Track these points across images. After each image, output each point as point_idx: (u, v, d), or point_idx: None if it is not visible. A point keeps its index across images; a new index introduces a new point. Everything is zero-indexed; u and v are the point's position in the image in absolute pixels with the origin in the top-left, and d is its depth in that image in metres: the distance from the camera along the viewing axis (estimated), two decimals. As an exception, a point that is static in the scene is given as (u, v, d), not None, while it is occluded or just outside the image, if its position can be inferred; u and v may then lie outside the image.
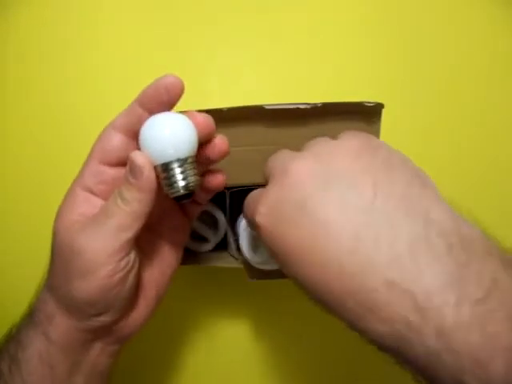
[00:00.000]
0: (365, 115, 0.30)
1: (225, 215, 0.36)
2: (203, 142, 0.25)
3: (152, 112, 0.23)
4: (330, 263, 0.18)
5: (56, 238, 0.24)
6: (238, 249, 0.33)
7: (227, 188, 0.33)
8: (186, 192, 0.23)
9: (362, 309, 0.17)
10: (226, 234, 0.37)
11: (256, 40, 0.46)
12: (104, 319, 0.24)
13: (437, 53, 0.46)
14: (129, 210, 0.22)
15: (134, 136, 0.24)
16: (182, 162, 0.23)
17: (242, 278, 0.33)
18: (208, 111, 0.28)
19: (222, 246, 0.37)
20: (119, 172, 0.24)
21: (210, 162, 0.26)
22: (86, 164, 0.25)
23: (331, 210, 0.18)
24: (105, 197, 0.24)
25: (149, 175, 0.22)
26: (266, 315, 0.44)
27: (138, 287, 0.26)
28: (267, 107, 0.28)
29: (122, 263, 0.23)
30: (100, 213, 0.23)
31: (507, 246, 0.19)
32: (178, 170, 0.23)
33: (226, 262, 0.35)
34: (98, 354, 0.26)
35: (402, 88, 0.46)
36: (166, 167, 0.23)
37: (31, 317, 0.25)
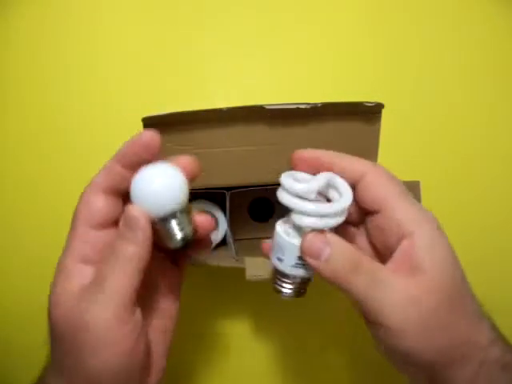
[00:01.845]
0: (365, 115, 0.30)
1: (225, 215, 0.36)
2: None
3: (133, 169, 0.23)
4: None
5: (56, 316, 0.22)
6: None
7: (227, 188, 0.33)
8: (184, 243, 0.23)
9: None
10: (225, 234, 0.37)
11: (256, 40, 0.46)
12: None
13: (437, 52, 0.46)
14: (126, 267, 0.21)
15: (117, 194, 0.23)
16: (178, 213, 0.23)
17: (242, 278, 0.33)
18: (208, 111, 0.28)
19: (222, 245, 0.38)
20: (109, 234, 0.23)
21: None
22: (72, 231, 0.23)
23: None
24: (97, 265, 0.23)
25: (145, 226, 0.21)
26: (265, 314, 0.44)
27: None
28: (267, 107, 0.28)
29: (131, 325, 0.21)
30: (95, 278, 0.22)
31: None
32: (174, 223, 0.23)
33: (225, 261, 0.35)
34: None
35: (401, 88, 0.46)
36: (162, 221, 0.23)
37: None
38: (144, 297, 0.25)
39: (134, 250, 0.21)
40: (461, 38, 0.46)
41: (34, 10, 0.44)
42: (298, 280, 0.25)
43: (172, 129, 0.29)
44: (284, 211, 0.29)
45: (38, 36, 0.44)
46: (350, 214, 0.24)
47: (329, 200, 0.25)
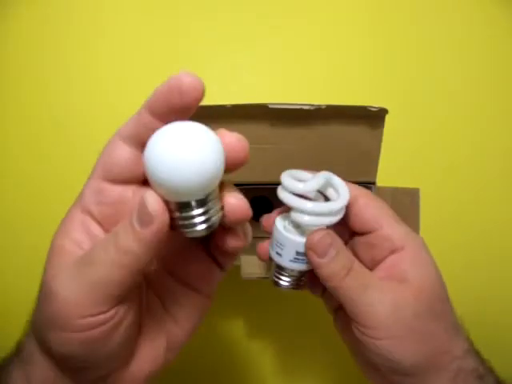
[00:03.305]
0: (368, 119, 0.30)
1: None
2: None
3: (164, 121, 0.18)
4: None
5: (44, 269, 0.20)
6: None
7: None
8: (206, 233, 0.19)
9: None
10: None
11: (256, 40, 0.46)
12: (88, 374, 0.21)
13: (437, 55, 0.46)
14: (119, 261, 0.18)
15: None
16: (204, 199, 0.18)
17: (238, 276, 0.33)
18: (211, 107, 0.28)
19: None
20: (125, 192, 0.20)
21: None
22: (87, 181, 0.21)
23: None
24: (105, 223, 0.20)
25: (160, 228, 0.18)
26: (262, 313, 0.44)
27: (137, 339, 0.22)
28: (271, 106, 0.28)
29: (103, 317, 0.19)
30: (85, 255, 0.19)
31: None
32: (198, 211, 0.18)
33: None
34: None
35: (404, 93, 0.46)
36: (182, 206, 0.18)
37: (18, 352, 0.22)
38: (164, 284, 0.23)
39: (135, 249, 0.18)
40: (462, 40, 0.46)
41: (34, 10, 0.44)
42: (296, 273, 0.26)
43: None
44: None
45: (37, 36, 0.44)
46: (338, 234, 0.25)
47: (327, 198, 0.26)
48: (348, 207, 0.25)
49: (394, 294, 0.23)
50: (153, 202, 0.18)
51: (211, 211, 0.19)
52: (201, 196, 0.18)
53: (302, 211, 0.24)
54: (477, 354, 0.25)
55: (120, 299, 0.19)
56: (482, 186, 0.45)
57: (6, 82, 0.44)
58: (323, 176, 0.25)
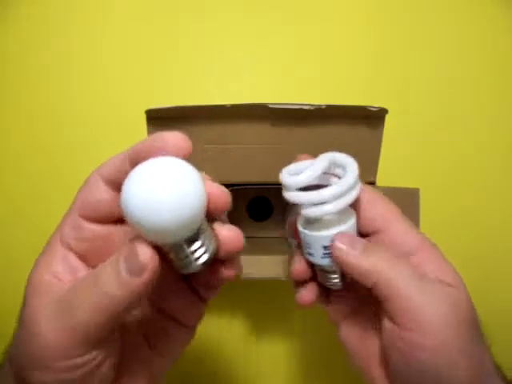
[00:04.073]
0: (368, 119, 0.30)
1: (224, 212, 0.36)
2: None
3: None
4: None
5: (24, 304, 0.19)
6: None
7: (226, 186, 0.33)
8: (204, 268, 0.18)
9: None
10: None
11: (256, 40, 0.46)
12: None
13: (439, 58, 0.46)
14: (101, 306, 0.17)
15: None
16: (195, 235, 0.17)
17: (239, 277, 0.33)
18: (211, 107, 0.28)
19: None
20: (102, 231, 0.20)
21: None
22: (67, 213, 0.20)
23: None
24: (85, 257, 0.20)
25: (150, 277, 0.17)
26: (262, 313, 0.44)
27: (120, 375, 0.21)
28: (271, 106, 0.28)
29: (84, 359, 0.18)
30: (66, 295, 0.18)
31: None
32: (191, 249, 0.17)
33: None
34: None
35: (404, 93, 0.46)
36: (173, 247, 0.17)
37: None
38: (149, 318, 0.22)
39: (119, 296, 0.17)
40: (462, 40, 0.46)
41: (34, 10, 0.44)
42: (334, 268, 0.24)
43: (174, 122, 0.29)
44: (283, 210, 0.28)
45: (38, 36, 0.44)
46: None
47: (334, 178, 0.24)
48: (356, 206, 0.23)
49: (448, 296, 0.20)
50: (144, 250, 0.17)
51: (204, 246, 0.18)
52: (189, 234, 0.17)
53: (316, 202, 0.22)
54: (501, 372, 0.22)
55: (100, 342, 0.18)
56: (481, 186, 0.45)
57: (6, 82, 0.44)
58: (325, 158, 0.23)
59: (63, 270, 0.20)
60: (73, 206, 0.20)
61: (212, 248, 0.18)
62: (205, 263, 0.18)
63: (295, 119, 0.29)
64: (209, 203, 0.18)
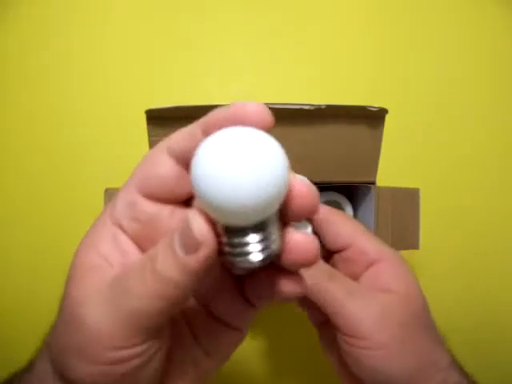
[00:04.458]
0: (368, 119, 0.30)
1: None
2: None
3: None
4: None
5: (67, 282, 0.18)
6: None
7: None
8: (260, 266, 0.16)
9: None
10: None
11: (256, 40, 0.46)
12: None
13: (440, 58, 0.46)
14: (158, 292, 0.16)
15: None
16: (262, 225, 0.15)
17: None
18: (210, 107, 0.28)
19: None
20: (161, 211, 0.18)
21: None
22: (121, 189, 0.18)
23: None
24: (137, 239, 0.18)
25: (207, 255, 0.15)
26: (262, 313, 0.44)
27: (167, 372, 0.20)
28: (271, 106, 0.28)
29: (136, 351, 0.17)
30: (119, 280, 0.17)
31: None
32: (254, 239, 0.15)
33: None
34: None
35: (404, 93, 0.46)
36: (234, 230, 0.15)
37: (29, 371, 0.19)
38: (197, 317, 0.21)
39: (177, 280, 0.15)
40: (462, 40, 0.47)
41: (34, 10, 0.44)
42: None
43: (174, 122, 0.29)
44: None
45: (38, 36, 0.44)
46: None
47: None
48: (321, 226, 0.26)
49: (380, 302, 0.23)
50: (200, 224, 0.15)
51: (269, 240, 0.15)
52: (258, 220, 0.14)
53: None
54: (460, 367, 0.24)
55: (156, 332, 0.17)
56: (481, 186, 0.45)
57: (6, 82, 0.44)
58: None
59: (113, 251, 0.18)
60: (130, 181, 0.18)
61: (274, 247, 0.15)
62: (260, 261, 0.15)
63: (295, 119, 0.29)
64: (291, 199, 0.15)
